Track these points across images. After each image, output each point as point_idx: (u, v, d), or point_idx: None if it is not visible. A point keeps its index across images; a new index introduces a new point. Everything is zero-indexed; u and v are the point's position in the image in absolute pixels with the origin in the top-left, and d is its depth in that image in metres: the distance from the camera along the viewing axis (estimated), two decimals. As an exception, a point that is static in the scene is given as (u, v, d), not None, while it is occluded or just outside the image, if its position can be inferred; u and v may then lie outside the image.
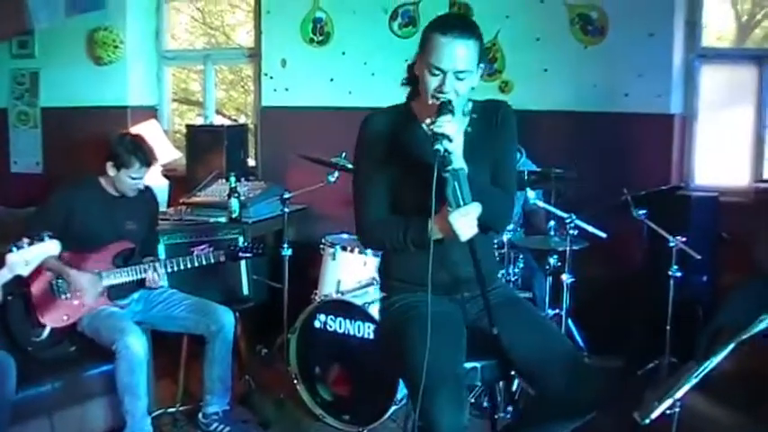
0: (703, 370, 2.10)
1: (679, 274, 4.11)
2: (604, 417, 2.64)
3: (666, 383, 2.16)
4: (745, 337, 2.21)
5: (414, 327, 2.56)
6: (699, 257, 4.04)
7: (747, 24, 5.92)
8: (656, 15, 4.90)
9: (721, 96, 5.23)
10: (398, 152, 2.63)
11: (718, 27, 5.69)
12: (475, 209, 2.41)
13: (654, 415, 2.09)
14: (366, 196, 2.71)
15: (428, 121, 2.44)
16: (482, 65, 2.59)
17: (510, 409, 3.43)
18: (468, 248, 2.48)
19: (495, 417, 3.19)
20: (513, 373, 2.80)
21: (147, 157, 3.90)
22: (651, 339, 4.36)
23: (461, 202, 2.39)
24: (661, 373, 4.21)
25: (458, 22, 2.56)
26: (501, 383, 3.08)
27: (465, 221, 2.40)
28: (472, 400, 4.04)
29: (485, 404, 3.91)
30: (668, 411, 2.23)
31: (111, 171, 3.89)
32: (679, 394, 2.13)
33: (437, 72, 2.49)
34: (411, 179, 2.55)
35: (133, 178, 3.89)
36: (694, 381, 2.12)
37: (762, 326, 2.27)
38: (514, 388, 3.71)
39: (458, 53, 2.47)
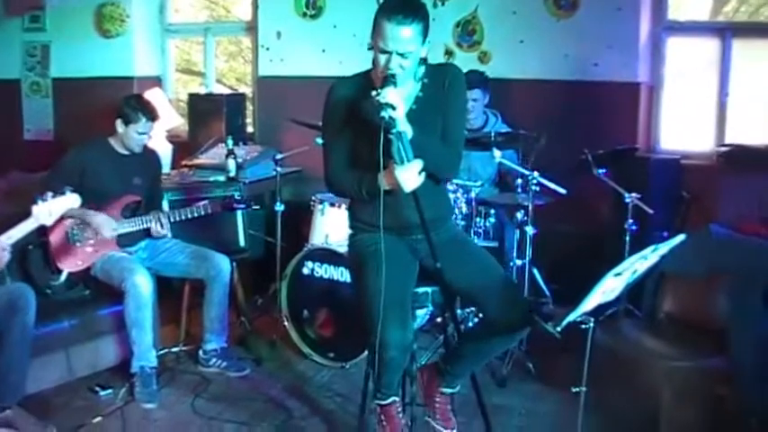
0: (604, 281, 2.46)
1: (634, 228, 4.40)
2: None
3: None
4: (652, 253, 2.56)
5: (369, 261, 3.01)
6: (651, 212, 4.37)
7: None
8: (624, -10, 5.21)
9: (687, 66, 5.56)
10: (356, 116, 2.97)
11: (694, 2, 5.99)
12: (416, 165, 2.80)
13: (564, 323, 2.45)
14: (330, 153, 3.10)
15: (374, 92, 2.77)
16: (428, 41, 2.91)
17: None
18: (413, 198, 2.86)
19: (448, 342, 3.61)
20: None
21: (150, 113, 4.26)
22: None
23: (405, 160, 2.79)
24: (618, 319, 4.49)
25: (401, 7, 2.79)
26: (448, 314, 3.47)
27: (407, 175, 2.80)
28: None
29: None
30: (583, 326, 2.61)
31: (120, 128, 4.24)
32: (587, 307, 2.49)
33: (383, 52, 2.83)
34: (366, 139, 2.88)
35: (140, 133, 4.24)
36: (597, 292, 2.47)
37: (676, 242, 2.65)
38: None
39: (400, 36, 2.78)
